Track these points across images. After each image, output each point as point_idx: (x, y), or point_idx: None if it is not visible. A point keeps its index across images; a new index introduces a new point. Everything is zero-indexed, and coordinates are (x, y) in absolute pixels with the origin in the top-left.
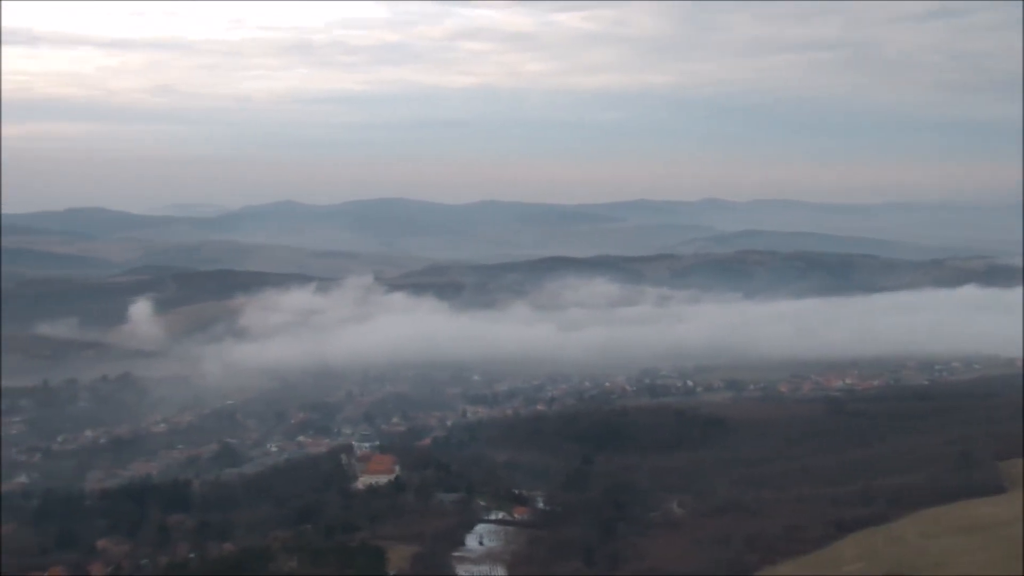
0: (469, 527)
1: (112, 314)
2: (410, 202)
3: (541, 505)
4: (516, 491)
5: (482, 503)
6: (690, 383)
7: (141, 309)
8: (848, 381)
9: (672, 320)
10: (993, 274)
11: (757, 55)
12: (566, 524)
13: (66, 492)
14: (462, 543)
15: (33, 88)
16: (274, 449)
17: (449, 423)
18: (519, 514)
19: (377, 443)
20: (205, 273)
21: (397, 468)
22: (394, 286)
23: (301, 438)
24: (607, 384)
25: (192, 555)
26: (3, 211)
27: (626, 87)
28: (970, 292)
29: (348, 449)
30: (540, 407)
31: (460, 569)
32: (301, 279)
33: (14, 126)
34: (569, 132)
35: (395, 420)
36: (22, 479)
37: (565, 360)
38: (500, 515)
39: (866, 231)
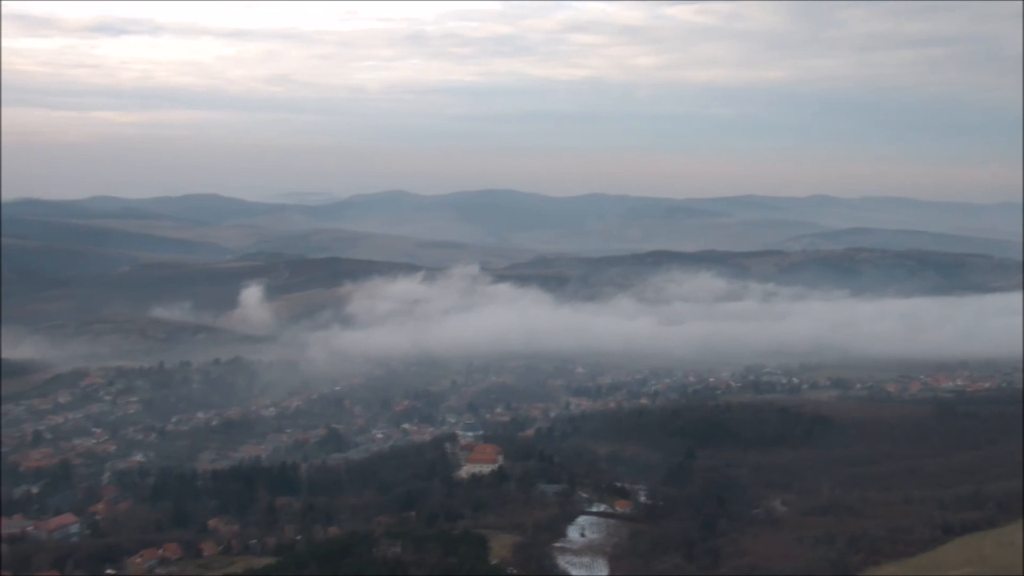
0: (571, 518)
1: (224, 299)
2: (518, 194)
3: (643, 499)
4: (618, 484)
5: (584, 495)
6: (795, 380)
7: (252, 294)
8: (958, 382)
9: (777, 316)
10: None
11: (872, 51)
12: (667, 518)
13: (179, 471)
14: (563, 534)
15: (154, 76)
16: (379, 436)
17: (552, 415)
18: (621, 507)
19: (481, 433)
20: (315, 260)
21: (500, 458)
22: (500, 277)
23: (406, 425)
24: (711, 379)
25: (298, 537)
26: (122, 196)
27: (738, 82)
28: None
29: (452, 438)
30: (643, 401)
31: (561, 560)
32: (408, 268)
33: (135, 114)
34: (678, 126)
35: (499, 410)
36: (138, 457)
37: (669, 354)
38: (602, 508)
39: (978, 231)
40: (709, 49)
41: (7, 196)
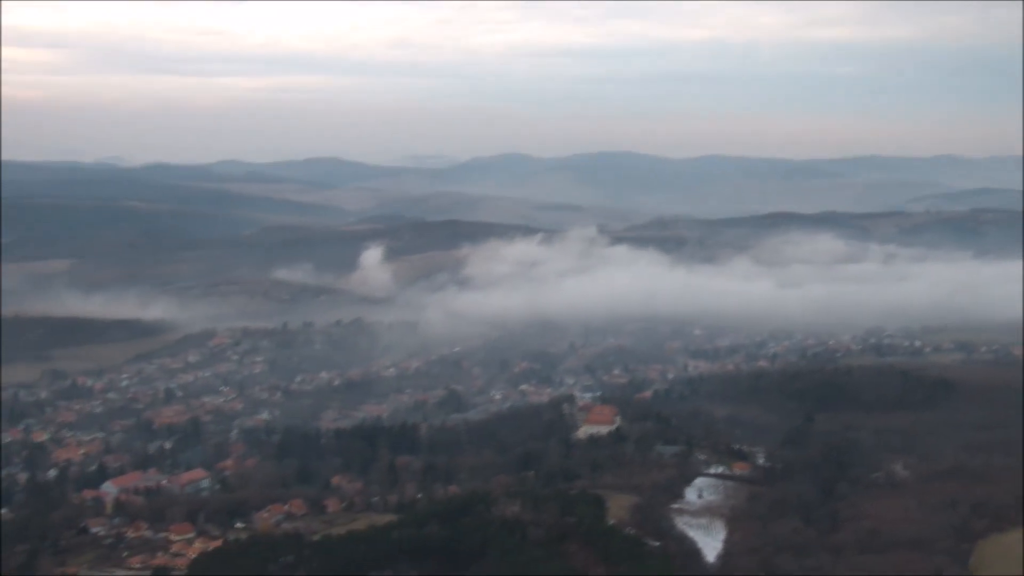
0: (688, 480)
1: (345, 261)
2: (636, 155)
3: (761, 462)
4: (736, 447)
5: (701, 457)
6: (917, 343)
7: (372, 257)
8: None
9: (898, 279)
10: None
11: (1001, 6)
12: (786, 481)
13: (303, 430)
14: (681, 496)
15: (280, 42)
16: (497, 397)
17: (670, 376)
18: (739, 470)
19: (598, 394)
20: (434, 223)
21: (618, 419)
22: (617, 239)
23: (524, 387)
24: (831, 342)
25: (419, 495)
26: (248, 160)
27: (862, 40)
28: None
29: (570, 399)
30: (762, 363)
31: (679, 521)
32: (526, 230)
33: (260, 79)
34: (799, 86)
35: (616, 372)
36: (264, 415)
37: (787, 317)
38: (719, 470)
39: None
40: (833, 7)
41: (139, 161)
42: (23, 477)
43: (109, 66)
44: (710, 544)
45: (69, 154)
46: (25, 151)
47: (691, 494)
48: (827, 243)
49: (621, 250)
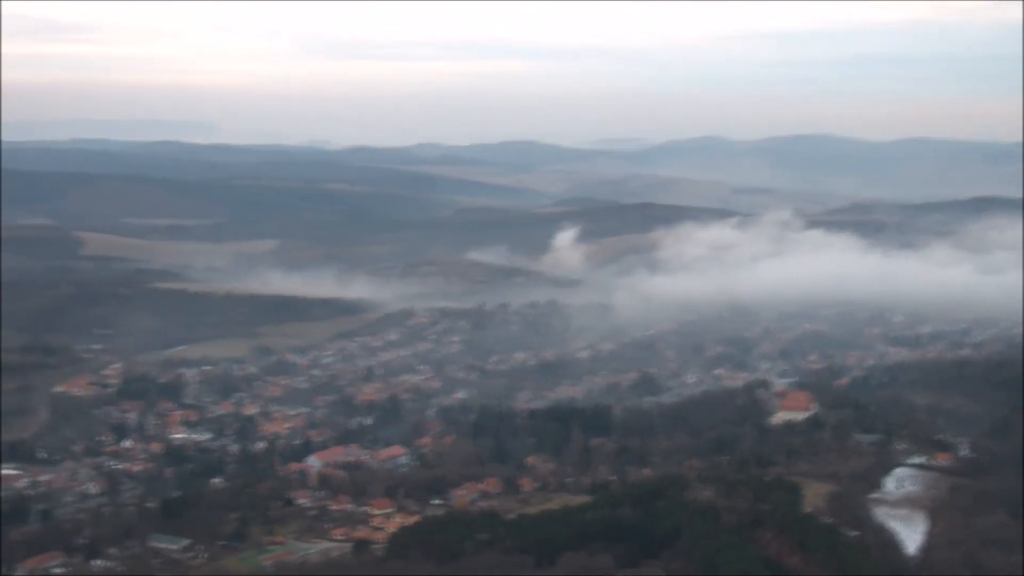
0: (887, 470)
1: (539, 243)
2: (833, 139)
3: (965, 453)
4: (938, 437)
5: (901, 446)
6: None
7: (566, 239)
8: None
9: None
10: None
11: None
12: (992, 474)
13: (499, 409)
14: (879, 486)
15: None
16: (691, 380)
17: (868, 363)
18: (941, 460)
19: (794, 380)
20: (628, 206)
21: (814, 406)
22: (813, 223)
23: (718, 371)
24: None
25: (612, 477)
26: (445, 143)
27: None
28: None
29: (764, 384)
30: (966, 351)
31: (877, 512)
32: (720, 214)
33: (457, 63)
34: (1006, 66)
35: (812, 358)
36: (461, 394)
37: (992, 304)
38: (920, 460)
39: None
40: None
41: (342, 144)
42: (235, 448)
43: (315, 52)
44: (910, 536)
45: (277, 137)
46: (235, 135)
47: (890, 484)
48: None
49: (817, 234)
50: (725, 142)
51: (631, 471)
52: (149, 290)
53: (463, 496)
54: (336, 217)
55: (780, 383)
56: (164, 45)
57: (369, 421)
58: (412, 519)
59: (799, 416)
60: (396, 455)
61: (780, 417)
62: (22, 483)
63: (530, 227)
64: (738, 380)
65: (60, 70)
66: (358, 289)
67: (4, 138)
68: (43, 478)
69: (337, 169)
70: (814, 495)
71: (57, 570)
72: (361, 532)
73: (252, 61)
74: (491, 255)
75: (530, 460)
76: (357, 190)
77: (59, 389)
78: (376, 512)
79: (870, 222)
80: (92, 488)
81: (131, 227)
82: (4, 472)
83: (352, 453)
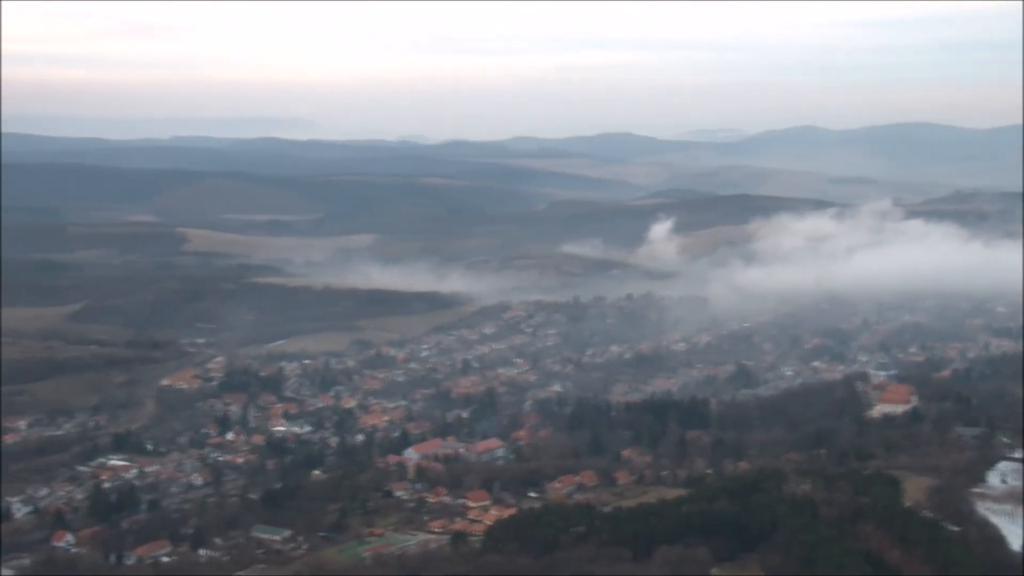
0: (990, 464)
1: (634, 235)
2: (932, 126)
3: None
4: None
5: (1005, 440)
6: None
7: (661, 231)
8: None
9: None
10: None
11: None
12: None
13: (595, 402)
14: (982, 480)
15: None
16: (788, 373)
17: (970, 355)
18: None
19: (893, 372)
20: (723, 197)
21: (914, 399)
22: (913, 213)
23: (815, 363)
24: None
25: (709, 471)
26: (540, 136)
27: None
28: None
29: (863, 377)
30: None
31: (980, 506)
32: (818, 204)
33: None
34: None
35: (912, 350)
36: (556, 387)
37: None
38: None
39: None
40: None
41: (438, 138)
42: (334, 441)
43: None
44: (1014, 532)
45: (374, 133)
46: (333, 131)
47: (994, 478)
48: None
49: (916, 224)
50: (822, 131)
51: (727, 464)
52: (250, 285)
53: (559, 489)
54: (432, 211)
55: (879, 375)
56: (263, 43)
57: (466, 414)
58: (508, 512)
59: (899, 409)
60: (493, 448)
61: (879, 410)
62: (131, 473)
63: (625, 219)
64: (836, 373)
65: (161, 68)
66: (454, 282)
67: (110, 136)
68: (150, 469)
69: (433, 163)
70: (915, 489)
71: (165, 558)
72: (458, 524)
73: (349, 58)
74: (586, 248)
75: (626, 453)
76: (453, 184)
77: (165, 382)
78: (473, 504)
79: (971, 211)
80: (197, 479)
81: (232, 223)
82: (114, 463)
83: (449, 446)
